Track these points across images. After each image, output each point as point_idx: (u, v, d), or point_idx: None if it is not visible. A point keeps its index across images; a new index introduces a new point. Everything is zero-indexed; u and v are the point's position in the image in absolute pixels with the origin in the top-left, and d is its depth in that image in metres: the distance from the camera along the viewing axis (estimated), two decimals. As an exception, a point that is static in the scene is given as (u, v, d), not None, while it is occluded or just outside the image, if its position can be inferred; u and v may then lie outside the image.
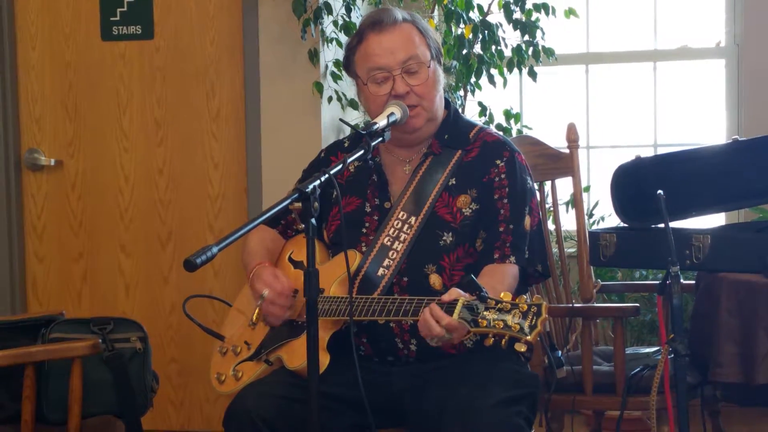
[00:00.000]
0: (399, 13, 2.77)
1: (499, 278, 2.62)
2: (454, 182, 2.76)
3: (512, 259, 2.70)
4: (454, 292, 2.43)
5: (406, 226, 2.73)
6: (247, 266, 2.86)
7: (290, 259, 2.87)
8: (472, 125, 2.87)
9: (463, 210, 2.73)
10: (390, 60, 2.71)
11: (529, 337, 2.29)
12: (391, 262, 2.70)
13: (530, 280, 2.80)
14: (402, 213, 2.75)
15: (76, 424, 2.96)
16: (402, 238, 2.72)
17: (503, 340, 2.32)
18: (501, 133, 2.89)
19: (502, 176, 2.74)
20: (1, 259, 4.50)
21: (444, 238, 2.71)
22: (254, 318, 2.78)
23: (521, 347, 2.30)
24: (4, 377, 3.02)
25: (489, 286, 2.44)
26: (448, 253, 2.70)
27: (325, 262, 2.77)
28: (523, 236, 2.73)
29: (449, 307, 2.39)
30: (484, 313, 2.34)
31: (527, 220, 2.75)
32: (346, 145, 2.94)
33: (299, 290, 2.70)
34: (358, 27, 2.85)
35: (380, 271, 2.69)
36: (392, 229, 2.73)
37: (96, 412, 3.11)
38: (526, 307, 2.32)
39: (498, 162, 2.76)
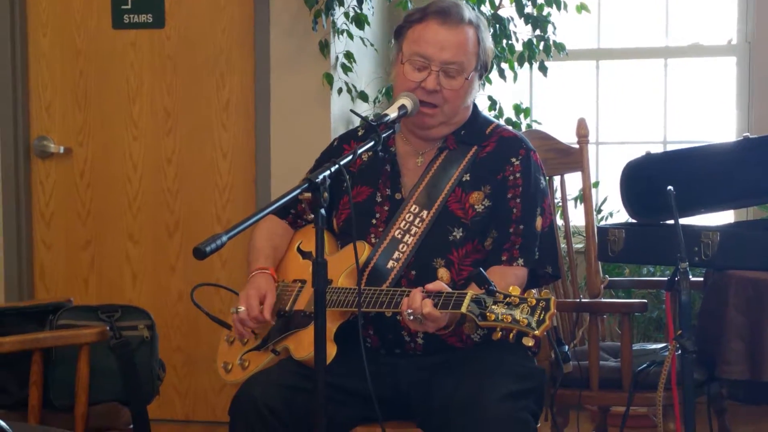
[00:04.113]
0: (468, 14, 2.73)
1: (505, 281, 2.59)
2: (468, 178, 2.75)
3: (520, 261, 2.69)
4: (439, 284, 2.46)
5: (418, 219, 2.72)
6: (250, 264, 2.85)
7: (299, 250, 2.87)
8: (489, 122, 2.85)
9: (476, 206, 2.72)
10: (435, 54, 2.68)
11: (537, 332, 2.29)
12: (401, 255, 2.69)
13: (540, 281, 2.79)
14: (414, 206, 2.74)
15: (82, 411, 2.96)
16: (413, 232, 2.71)
17: (511, 335, 2.32)
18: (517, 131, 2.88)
19: (517, 175, 2.73)
20: (9, 246, 4.50)
21: (454, 233, 2.70)
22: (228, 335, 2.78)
23: (529, 342, 2.30)
24: (11, 363, 3.03)
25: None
26: (457, 247, 2.70)
27: (334, 253, 2.77)
28: (533, 237, 2.72)
29: (457, 300, 2.39)
30: (493, 307, 2.34)
31: (539, 221, 2.74)
32: (360, 134, 2.94)
33: (308, 281, 2.71)
34: (426, 5, 2.78)
35: (390, 264, 2.69)
36: (404, 222, 2.73)
37: (102, 399, 3.12)
38: (534, 301, 2.32)
39: (513, 160, 2.74)
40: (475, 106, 2.86)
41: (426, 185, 2.75)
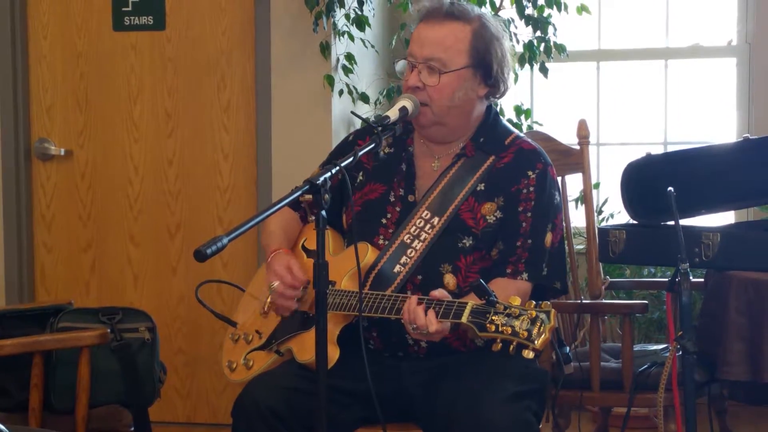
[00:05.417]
0: (461, 11, 2.70)
1: (506, 293, 2.56)
2: (482, 188, 2.72)
3: (524, 276, 2.68)
4: (440, 291, 2.45)
5: (429, 225, 2.71)
6: (267, 248, 2.84)
7: (303, 248, 2.87)
8: (509, 132, 2.81)
9: (487, 217, 2.70)
10: (417, 50, 2.69)
11: (536, 344, 2.28)
12: (409, 260, 2.68)
13: (547, 295, 2.76)
14: (426, 212, 2.72)
15: (83, 414, 2.96)
16: (422, 237, 2.70)
17: (511, 347, 2.31)
18: (538, 144, 2.82)
19: (531, 189, 2.70)
20: (10, 248, 4.50)
21: (464, 241, 2.69)
22: (266, 307, 2.77)
23: (529, 354, 2.29)
24: (12, 366, 3.03)
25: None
26: (465, 254, 2.68)
27: (339, 253, 2.76)
28: (541, 253, 2.70)
29: (458, 310, 2.38)
30: (493, 317, 2.33)
31: (548, 237, 2.71)
32: (380, 130, 2.89)
33: (311, 281, 2.70)
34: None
35: (396, 268, 2.68)
36: (414, 227, 2.71)
37: (103, 401, 3.12)
38: (534, 313, 2.31)
39: (530, 173, 2.71)
40: (496, 114, 2.83)
41: (440, 191, 2.73)
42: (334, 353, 2.56)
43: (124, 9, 4.47)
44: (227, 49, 4.42)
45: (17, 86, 4.49)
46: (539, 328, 2.29)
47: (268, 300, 2.74)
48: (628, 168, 3.38)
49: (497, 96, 2.80)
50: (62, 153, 4.52)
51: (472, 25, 2.70)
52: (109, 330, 3.07)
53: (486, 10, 4.37)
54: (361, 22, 4.23)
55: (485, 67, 2.71)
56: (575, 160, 3.63)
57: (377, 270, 2.68)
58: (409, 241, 2.70)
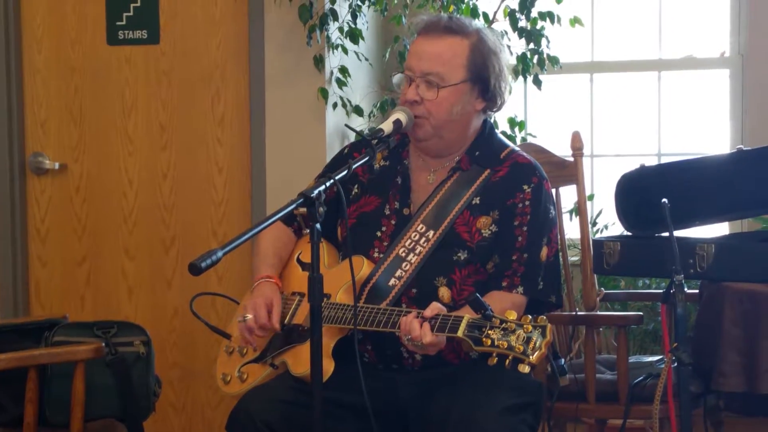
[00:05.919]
0: (459, 25, 2.71)
1: (501, 306, 2.56)
2: (477, 202, 2.73)
3: (520, 289, 2.68)
4: (436, 307, 2.45)
5: (423, 239, 2.71)
6: (256, 271, 2.85)
7: (298, 261, 2.87)
8: (504, 146, 2.82)
9: (482, 231, 2.71)
10: (415, 64, 2.70)
11: (532, 359, 2.29)
12: (404, 273, 2.69)
13: (541, 308, 2.77)
14: (421, 225, 2.72)
15: (78, 428, 2.96)
16: (417, 251, 2.70)
17: (507, 360, 2.32)
18: (533, 158, 2.82)
19: (526, 203, 2.71)
20: (5, 262, 4.49)
21: (458, 254, 2.69)
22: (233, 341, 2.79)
23: (525, 369, 2.29)
24: (6, 380, 3.03)
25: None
26: (460, 267, 2.69)
27: (334, 266, 2.76)
28: (537, 267, 2.71)
29: (454, 324, 2.39)
30: (489, 332, 2.33)
31: (544, 251, 2.72)
32: (375, 142, 2.90)
33: (305, 294, 2.70)
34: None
35: (391, 281, 2.68)
36: (409, 241, 2.72)
37: (98, 415, 3.12)
38: (530, 328, 2.31)
39: (525, 187, 2.72)
40: (492, 127, 2.84)
41: (435, 205, 2.74)
42: (329, 366, 2.56)
43: (118, 23, 4.47)
44: (221, 63, 4.42)
45: (11, 100, 4.48)
46: (535, 343, 2.29)
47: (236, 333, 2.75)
48: (622, 179, 3.39)
49: (494, 110, 2.80)
50: (57, 167, 4.52)
51: (470, 40, 2.71)
52: (103, 344, 3.06)
53: (479, 22, 4.38)
54: (354, 35, 4.24)
55: (483, 82, 2.72)
56: (569, 171, 3.64)
57: (372, 283, 2.68)
58: (404, 254, 2.70)
